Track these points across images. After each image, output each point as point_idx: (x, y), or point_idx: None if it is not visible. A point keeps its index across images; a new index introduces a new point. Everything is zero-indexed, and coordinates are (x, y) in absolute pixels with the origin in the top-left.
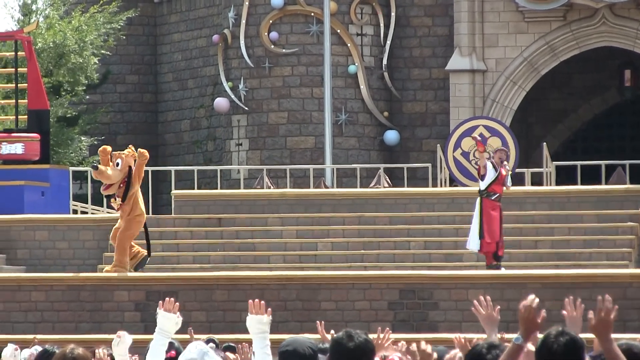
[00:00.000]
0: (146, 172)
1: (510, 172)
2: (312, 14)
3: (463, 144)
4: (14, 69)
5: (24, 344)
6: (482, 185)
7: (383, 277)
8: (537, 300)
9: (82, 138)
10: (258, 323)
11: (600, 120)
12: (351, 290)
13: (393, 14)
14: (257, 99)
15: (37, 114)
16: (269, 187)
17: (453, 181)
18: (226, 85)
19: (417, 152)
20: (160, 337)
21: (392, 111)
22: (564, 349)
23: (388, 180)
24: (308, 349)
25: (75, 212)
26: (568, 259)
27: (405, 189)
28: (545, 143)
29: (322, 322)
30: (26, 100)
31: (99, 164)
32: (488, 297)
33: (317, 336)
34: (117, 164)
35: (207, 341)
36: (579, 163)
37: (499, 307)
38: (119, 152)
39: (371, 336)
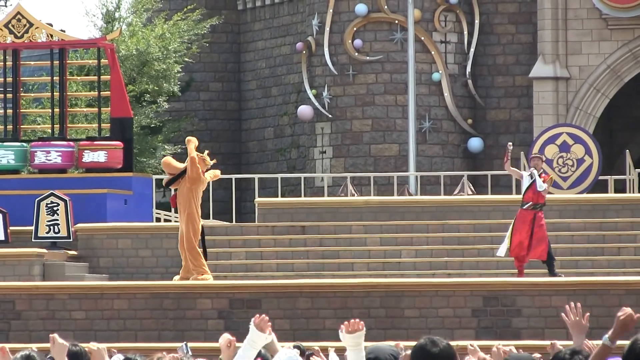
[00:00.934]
0: (229, 179)
1: (549, 179)
2: (396, 22)
3: (547, 151)
4: (97, 77)
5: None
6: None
7: (466, 284)
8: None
9: (166, 146)
10: (353, 337)
11: None
12: (434, 298)
13: (477, 21)
14: (340, 106)
15: (120, 122)
16: (353, 195)
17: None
18: (310, 93)
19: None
20: (249, 347)
21: (476, 118)
22: None
23: (472, 187)
24: (390, 356)
25: (158, 220)
26: None
27: (489, 197)
28: (628, 150)
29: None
30: (109, 108)
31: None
32: (579, 304)
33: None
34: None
35: (294, 348)
36: None
37: (588, 314)
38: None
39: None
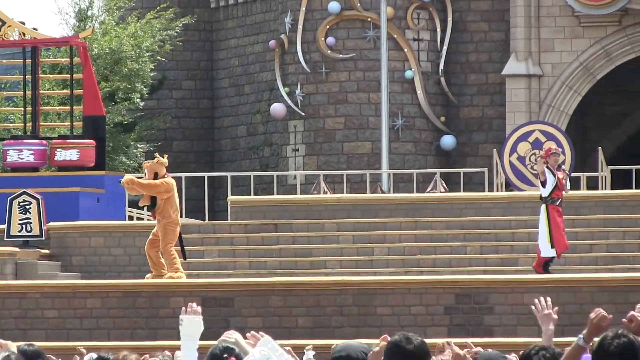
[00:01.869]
0: (202, 178)
1: (568, 175)
2: (369, 19)
3: (519, 149)
4: (69, 75)
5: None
6: (545, 192)
7: (439, 282)
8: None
9: (138, 145)
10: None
11: None
12: (407, 295)
13: (450, 19)
14: (313, 104)
15: (93, 120)
16: (326, 193)
17: (509, 186)
18: (283, 91)
19: (474, 157)
20: (189, 343)
21: (449, 116)
22: (621, 350)
23: (444, 185)
24: (361, 353)
25: (130, 218)
26: (623, 262)
27: (462, 194)
28: (600, 147)
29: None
30: (82, 107)
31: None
32: (548, 298)
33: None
34: (145, 174)
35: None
36: (634, 167)
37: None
38: (146, 162)
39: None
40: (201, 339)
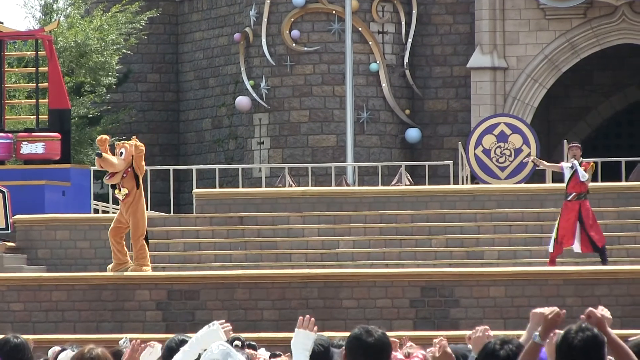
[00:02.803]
0: (167, 171)
1: (588, 167)
2: (334, 12)
3: (484, 142)
4: (34, 69)
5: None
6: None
7: (404, 274)
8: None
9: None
10: (305, 338)
11: (621, 117)
12: (373, 288)
13: (414, 11)
14: (278, 97)
15: (58, 114)
16: (291, 186)
17: (474, 179)
18: (248, 84)
19: (439, 150)
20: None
21: (414, 109)
22: (584, 345)
23: (409, 178)
24: (319, 346)
25: (96, 211)
26: (589, 255)
27: (427, 187)
28: (566, 140)
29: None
30: (47, 100)
31: None
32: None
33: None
34: (121, 153)
35: (233, 340)
36: (599, 160)
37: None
38: (122, 141)
39: (390, 334)
40: (166, 332)
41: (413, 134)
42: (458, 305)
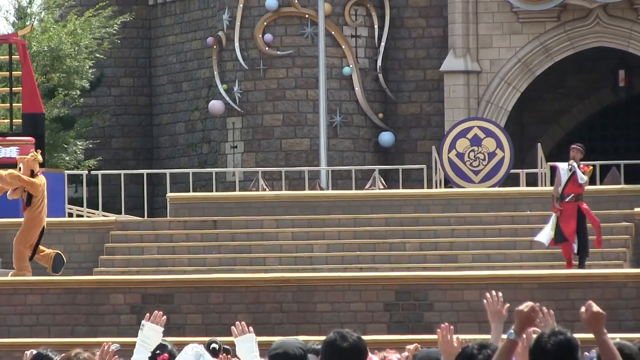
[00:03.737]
0: (141, 175)
1: (587, 170)
2: (307, 16)
3: (458, 145)
4: (8, 73)
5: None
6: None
7: (379, 278)
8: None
9: (78, 142)
10: (247, 342)
11: (595, 121)
12: (347, 292)
13: (387, 15)
14: (251, 101)
15: (32, 118)
16: (264, 190)
17: (448, 182)
18: (221, 88)
19: (412, 154)
20: (143, 349)
21: (387, 113)
22: (557, 349)
23: (383, 182)
24: (298, 349)
25: (70, 215)
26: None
27: (401, 191)
28: (540, 144)
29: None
30: (21, 104)
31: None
32: (500, 293)
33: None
34: (20, 169)
35: (209, 343)
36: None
37: (507, 305)
38: (22, 157)
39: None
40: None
41: (386, 137)
42: (432, 309)
